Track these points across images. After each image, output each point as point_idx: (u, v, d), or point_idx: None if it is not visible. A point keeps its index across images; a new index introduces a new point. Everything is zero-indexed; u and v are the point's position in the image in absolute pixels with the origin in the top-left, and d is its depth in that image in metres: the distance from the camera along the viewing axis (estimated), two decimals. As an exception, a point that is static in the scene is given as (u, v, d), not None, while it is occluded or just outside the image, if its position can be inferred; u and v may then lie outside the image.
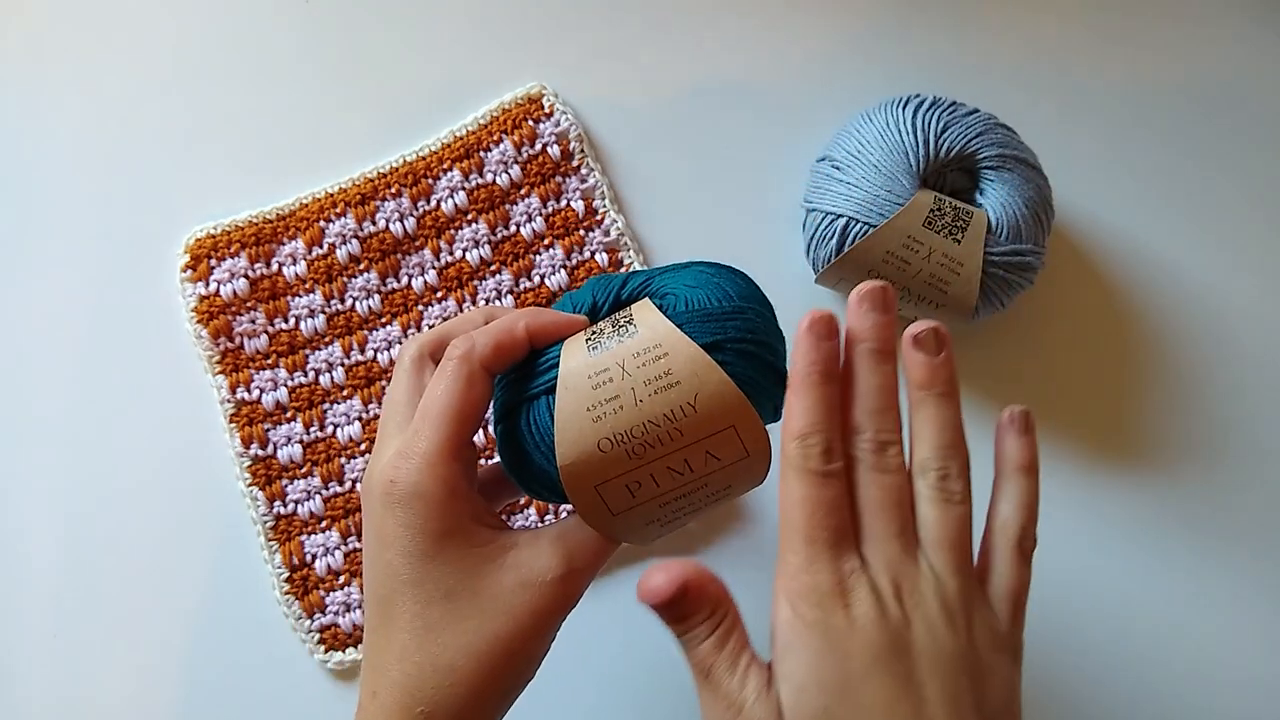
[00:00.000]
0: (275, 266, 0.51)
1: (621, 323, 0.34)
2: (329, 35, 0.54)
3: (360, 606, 0.49)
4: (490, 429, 0.36)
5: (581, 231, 0.52)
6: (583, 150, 0.52)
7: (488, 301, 0.51)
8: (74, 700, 0.49)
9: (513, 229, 0.52)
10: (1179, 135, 0.55)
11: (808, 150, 0.52)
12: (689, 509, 0.34)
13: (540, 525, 0.43)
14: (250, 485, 0.50)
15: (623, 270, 0.52)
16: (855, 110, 0.50)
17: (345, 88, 0.54)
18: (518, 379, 0.35)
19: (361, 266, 0.51)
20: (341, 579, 0.50)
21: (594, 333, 0.34)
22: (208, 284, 0.51)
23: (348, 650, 0.49)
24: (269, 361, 0.51)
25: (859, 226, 0.47)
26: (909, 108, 0.48)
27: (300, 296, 0.51)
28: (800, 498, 0.31)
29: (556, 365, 0.33)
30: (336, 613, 0.49)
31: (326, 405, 0.51)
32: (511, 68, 0.54)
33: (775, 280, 0.52)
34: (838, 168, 0.48)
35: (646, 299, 0.35)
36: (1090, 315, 0.53)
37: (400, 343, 0.51)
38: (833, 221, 0.47)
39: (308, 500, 0.50)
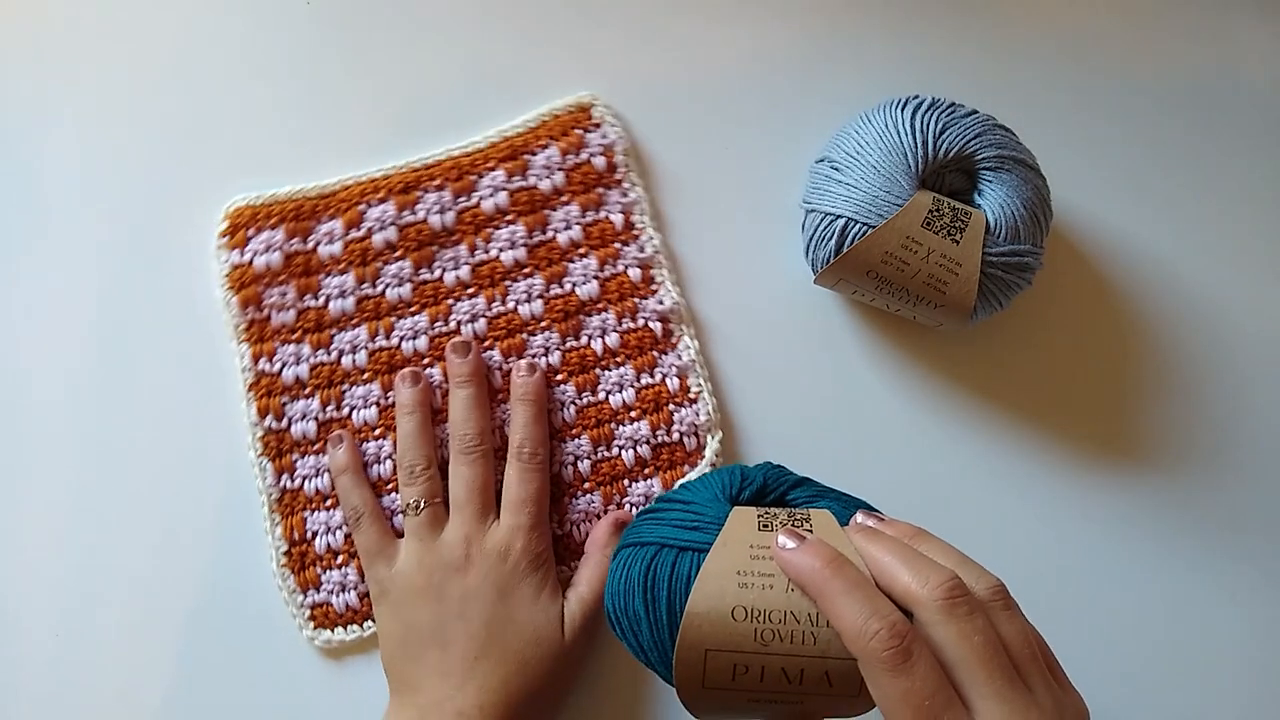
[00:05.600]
0: (311, 244, 0.51)
1: (799, 519, 0.34)
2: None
3: (355, 589, 0.50)
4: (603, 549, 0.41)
5: (617, 245, 0.52)
6: (627, 165, 0.53)
7: (516, 303, 0.52)
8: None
9: (550, 234, 0.52)
10: (1178, 135, 0.55)
11: (807, 151, 0.52)
12: (767, 717, 0.33)
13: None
14: (260, 456, 0.50)
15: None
16: (854, 111, 0.50)
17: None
18: (676, 524, 0.35)
19: (397, 254, 0.51)
20: (340, 559, 0.50)
21: (767, 514, 0.34)
22: (243, 253, 0.51)
23: (336, 630, 0.49)
24: (294, 336, 0.51)
25: (858, 227, 0.47)
26: (908, 109, 0.48)
27: (333, 276, 0.51)
28: (901, 693, 0.29)
29: (718, 528, 0.34)
30: (331, 592, 0.50)
31: (346, 386, 0.51)
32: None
33: (774, 281, 0.53)
34: (837, 168, 0.49)
35: (829, 512, 0.35)
36: (1089, 315, 0.53)
37: (427, 334, 0.51)
38: (832, 222, 0.48)
39: (315, 477, 0.50)
